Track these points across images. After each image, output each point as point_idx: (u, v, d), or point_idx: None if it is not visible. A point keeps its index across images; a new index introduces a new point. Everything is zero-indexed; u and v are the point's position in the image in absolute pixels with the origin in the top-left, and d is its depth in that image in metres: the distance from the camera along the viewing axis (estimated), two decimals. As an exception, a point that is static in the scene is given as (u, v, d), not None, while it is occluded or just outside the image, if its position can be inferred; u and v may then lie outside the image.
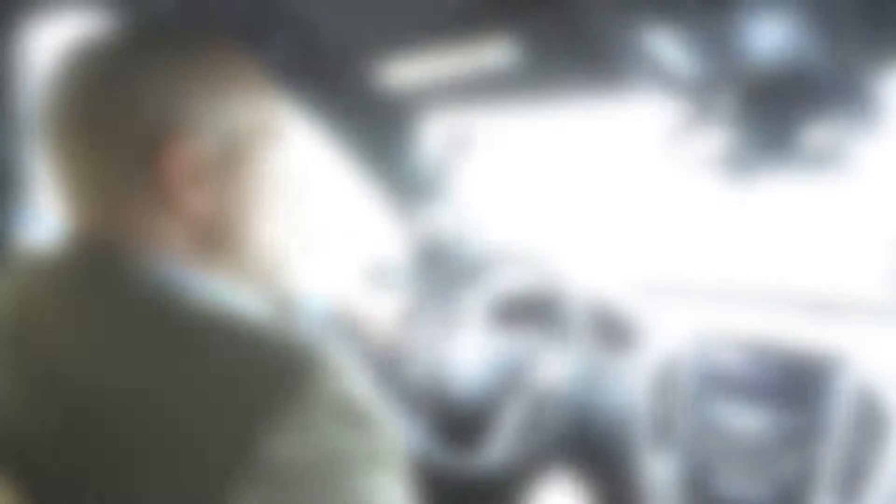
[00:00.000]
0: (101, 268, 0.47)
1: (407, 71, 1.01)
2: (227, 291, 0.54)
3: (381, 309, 1.19)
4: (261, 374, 0.42)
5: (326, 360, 0.44)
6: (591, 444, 1.18)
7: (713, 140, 0.95)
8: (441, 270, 1.26)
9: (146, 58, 0.49)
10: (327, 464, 0.43)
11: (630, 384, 1.16)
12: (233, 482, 0.39)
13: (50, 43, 0.86)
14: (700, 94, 0.91)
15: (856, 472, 0.93)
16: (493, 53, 0.89)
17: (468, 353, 1.13)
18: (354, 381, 0.45)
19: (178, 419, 0.41)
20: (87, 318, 0.45)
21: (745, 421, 1.01)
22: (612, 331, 1.30)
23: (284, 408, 0.41)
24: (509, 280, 1.52)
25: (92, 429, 0.43)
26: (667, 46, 0.75)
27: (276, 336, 0.45)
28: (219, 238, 0.52)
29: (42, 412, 0.45)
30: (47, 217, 0.87)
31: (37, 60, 0.87)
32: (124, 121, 0.47)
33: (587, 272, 1.25)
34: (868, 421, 0.94)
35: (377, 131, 1.27)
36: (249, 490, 0.39)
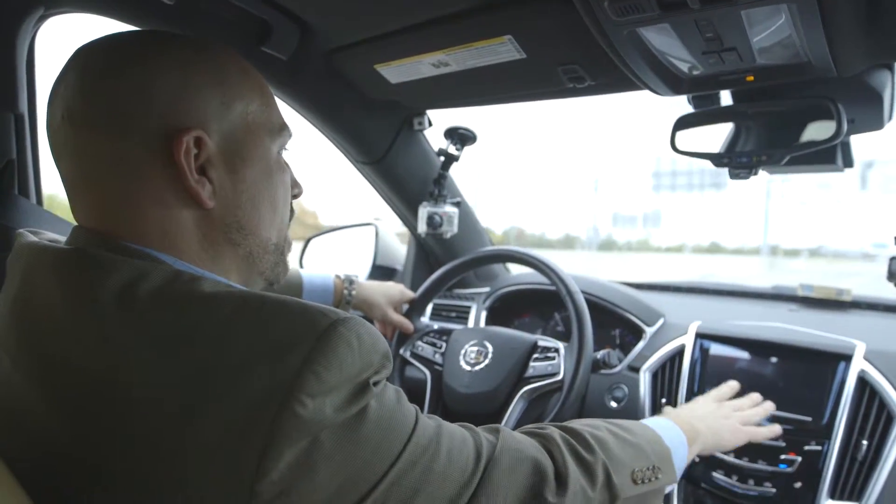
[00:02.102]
0: (111, 261, 0.47)
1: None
2: (236, 281, 0.55)
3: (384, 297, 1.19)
4: (285, 338, 0.43)
5: (346, 319, 0.45)
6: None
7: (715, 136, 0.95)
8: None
9: (158, 57, 0.50)
10: (355, 418, 0.44)
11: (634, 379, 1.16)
12: (269, 446, 0.41)
13: (61, 40, 0.86)
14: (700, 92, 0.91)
15: (858, 470, 0.92)
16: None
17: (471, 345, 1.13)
18: (373, 336, 0.47)
19: (206, 394, 0.42)
20: (98, 312, 0.45)
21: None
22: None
23: (310, 367, 0.42)
24: (513, 276, 1.52)
25: (106, 423, 0.43)
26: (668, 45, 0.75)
27: (294, 303, 0.46)
28: (226, 229, 0.53)
29: (56, 408, 0.45)
30: (55, 212, 0.88)
31: (45, 57, 0.87)
32: (137, 116, 0.49)
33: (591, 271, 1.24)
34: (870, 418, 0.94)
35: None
36: (286, 448, 0.41)
